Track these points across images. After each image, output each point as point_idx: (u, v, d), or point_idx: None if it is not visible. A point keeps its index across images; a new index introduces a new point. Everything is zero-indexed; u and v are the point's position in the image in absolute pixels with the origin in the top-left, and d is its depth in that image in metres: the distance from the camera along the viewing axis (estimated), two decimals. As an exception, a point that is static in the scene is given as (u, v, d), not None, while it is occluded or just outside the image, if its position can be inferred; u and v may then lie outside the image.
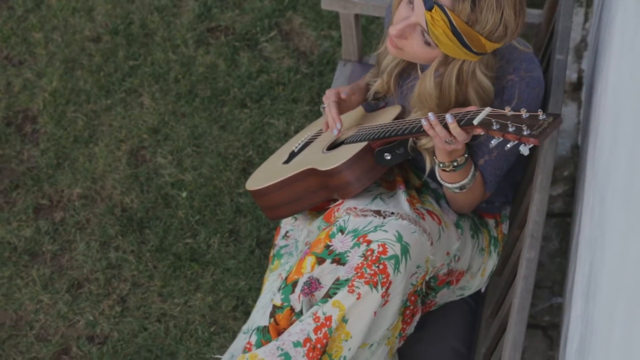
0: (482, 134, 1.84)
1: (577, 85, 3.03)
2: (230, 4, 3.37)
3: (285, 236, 2.47)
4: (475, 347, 2.30)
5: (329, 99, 2.20)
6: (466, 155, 2.03)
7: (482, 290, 2.34)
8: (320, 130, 2.36)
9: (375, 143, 2.08)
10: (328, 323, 2.02)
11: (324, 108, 2.23)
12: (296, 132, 3.08)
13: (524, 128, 1.70)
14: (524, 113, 1.76)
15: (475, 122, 1.82)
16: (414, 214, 2.08)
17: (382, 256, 1.99)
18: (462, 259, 2.22)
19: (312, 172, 2.16)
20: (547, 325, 2.60)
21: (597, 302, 1.45)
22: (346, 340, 2.04)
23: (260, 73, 3.22)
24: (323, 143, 2.28)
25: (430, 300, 2.25)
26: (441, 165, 2.04)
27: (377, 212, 2.09)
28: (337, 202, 2.18)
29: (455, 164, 2.02)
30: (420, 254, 2.04)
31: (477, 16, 1.83)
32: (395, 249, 2.00)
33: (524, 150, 1.70)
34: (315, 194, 2.19)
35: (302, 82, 3.20)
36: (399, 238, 2.01)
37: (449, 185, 2.09)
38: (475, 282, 2.30)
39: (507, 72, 2.01)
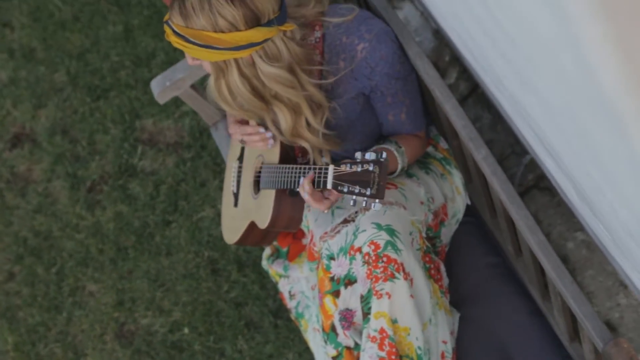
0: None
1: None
2: (85, 155, 3.35)
3: (292, 296, 2.49)
4: (502, 251, 2.36)
5: (235, 130, 2.24)
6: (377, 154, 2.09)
7: (469, 202, 2.40)
8: (239, 160, 2.43)
9: None
10: (385, 334, 2.06)
11: (241, 140, 2.26)
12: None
13: (365, 188, 1.81)
14: (357, 168, 1.83)
15: (328, 185, 1.90)
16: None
17: (378, 250, 2.03)
18: (435, 196, 2.27)
19: (256, 225, 2.27)
20: (535, 182, 2.68)
21: (563, 158, 1.51)
22: (409, 335, 2.08)
23: (159, 186, 3.22)
24: (248, 180, 2.35)
25: (441, 247, 2.30)
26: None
27: (345, 221, 2.12)
28: (309, 240, 2.22)
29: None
30: (404, 223, 2.08)
31: (190, 16, 1.88)
32: (382, 237, 2.03)
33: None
34: (275, 234, 2.36)
35: (196, 165, 3.21)
36: (379, 226, 2.05)
37: (394, 176, 2.15)
38: (459, 203, 2.36)
39: (355, 45, 2.04)
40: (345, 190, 1.85)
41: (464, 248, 2.38)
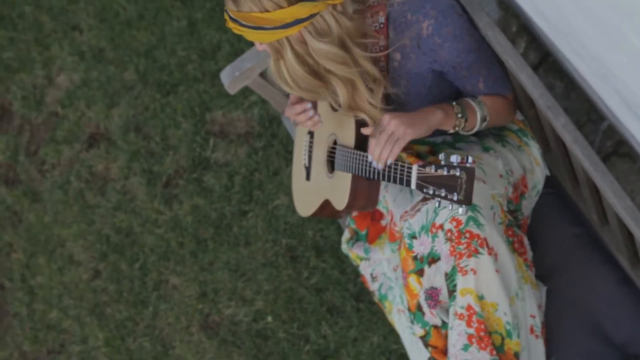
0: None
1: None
2: (159, 151, 3.40)
3: (374, 278, 2.49)
4: (587, 220, 2.31)
5: (289, 111, 2.25)
6: (455, 104, 2.05)
7: (549, 173, 2.36)
8: (309, 134, 2.43)
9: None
10: (472, 311, 2.04)
11: (294, 121, 2.27)
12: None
13: (452, 193, 1.81)
14: (443, 172, 1.82)
15: (412, 185, 1.90)
16: None
17: (461, 227, 2.01)
18: (514, 168, 2.24)
19: (331, 203, 2.28)
20: (614, 149, 2.61)
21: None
22: (497, 310, 2.06)
23: (233, 177, 3.25)
24: (321, 157, 2.35)
25: (522, 220, 2.27)
26: (452, 130, 2.07)
27: (424, 199, 2.11)
28: (389, 220, 2.21)
29: (460, 115, 2.04)
30: (484, 198, 2.05)
31: (238, 0, 1.92)
32: (464, 212, 2.01)
33: None
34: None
35: (268, 155, 3.22)
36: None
37: (475, 129, 2.10)
38: (539, 174, 2.31)
39: (421, 22, 2.02)
40: (431, 192, 1.85)
41: (546, 220, 2.34)
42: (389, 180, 2.00)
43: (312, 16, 1.92)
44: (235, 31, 1.98)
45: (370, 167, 2.05)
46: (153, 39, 3.55)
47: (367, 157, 2.06)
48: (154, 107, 3.45)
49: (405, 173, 1.93)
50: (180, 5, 3.55)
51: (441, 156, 1.85)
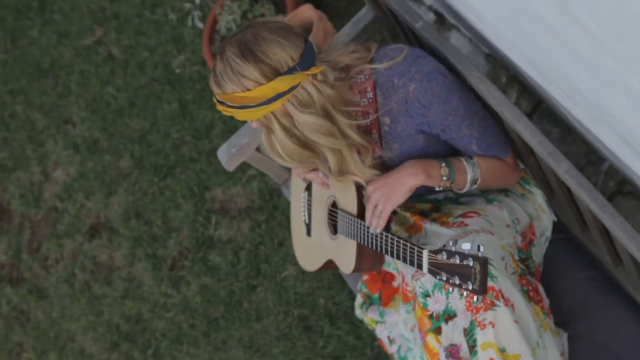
0: None
1: (441, 18, 3.10)
2: (162, 234, 3.39)
3: (391, 341, 2.46)
4: (599, 262, 2.30)
5: (298, 171, 2.32)
6: (443, 165, 2.07)
7: (555, 219, 2.36)
8: (307, 191, 2.46)
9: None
10: None
11: (303, 178, 2.33)
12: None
13: (466, 282, 1.82)
14: (455, 260, 1.83)
15: (424, 269, 1.92)
16: (457, 230, 2.10)
17: None
18: (520, 217, 2.24)
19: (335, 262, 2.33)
20: (618, 188, 2.62)
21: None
22: None
23: (238, 253, 3.24)
24: (321, 218, 2.36)
25: (535, 267, 2.26)
26: (438, 188, 2.08)
27: None
28: (401, 281, 2.21)
29: (445, 178, 2.06)
30: (494, 249, 2.05)
31: (221, 83, 1.98)
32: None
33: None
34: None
35: (271, 227, 3.22)
36: None
37: (465, 189, 2.11)
38: (545, 221, 2.31)
39: (408, 87, 2.03)
40: (444, 279, 1.86)
41: (558, 266, 2.33)
42: (400, 259, 2.01)
43: (292, 88, 1.97)
44: (225, 113, 2.03)
45: (378, 240, 2.07)
46: (146, 124, 3.58)
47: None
48: (152, 191, 3.46)
49: (415, 256, 1.95)
50: (169, 89, 3.58)
51: (450, 242, 1.85)
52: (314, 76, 1.98)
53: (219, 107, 2.03)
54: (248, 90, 1.94)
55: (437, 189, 2.08)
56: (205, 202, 3.37)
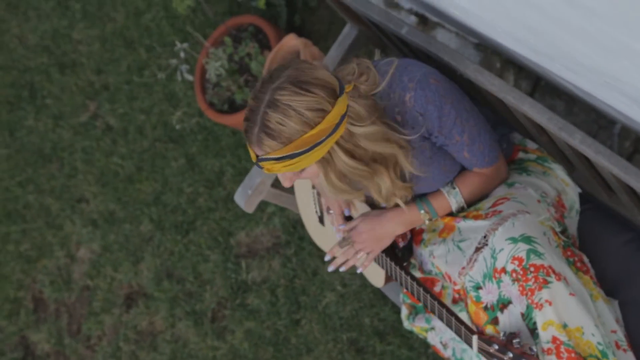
0: None
1: (423, 19, 3.11)
2: (196, 289, 3.39)
3: (444, 345, 2.45)
4: (633, 224, 2.30)
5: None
6: (422, 212, 2.19)
7: (580, 191, 2.35)
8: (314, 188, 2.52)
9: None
10: (558, 342, 2.00)
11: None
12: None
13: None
14: (505, 357, 1.94)
15: (474, 349, 2.03)
16: (493, 219, 2.10)
17: (523, 263, 1.99)
18: (547, 191, 2.23)
19: None
20: (635, 147, 2.61)
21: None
22: (583, 334, 2.01)
23: (275, 291, 3.23)
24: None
25: (572, 240, 2.25)
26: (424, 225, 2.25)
27: (477, 249, 2.10)
28: (449, 281, 2.21)
29: (427, 219, 2.20)
30: (535, 227, 2.04)
31: (281, 132, 1.87)
32: (521, 248, 1.99)
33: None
34: None
35: (302, 258, 3.22)
36: (514, 240, 2.01)
37: (454, 210, 2.21)
38: (571, 194, 2.31)
39: (404, 97, 2.03)
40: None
41: (593, 235, 2.32)
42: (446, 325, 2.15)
43: (347, 107, 1.94)
44: (284, 170, 1.92)
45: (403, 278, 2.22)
46: (157, 185, 3.59)
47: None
48: (178, 249, 3.47)
49: (463, 334, 2.05)
50: (173, 146, 3.60)
51: (502, 334, 1.98)
52: (352, 92, 1.97)
53: (277, 168, 1.92)
54: (316, 124, 1.88)
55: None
56: (231, 248, 3.37)
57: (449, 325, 2.12)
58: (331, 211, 2.38)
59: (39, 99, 4.01)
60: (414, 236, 2.33)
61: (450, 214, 2.24)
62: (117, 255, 3.59)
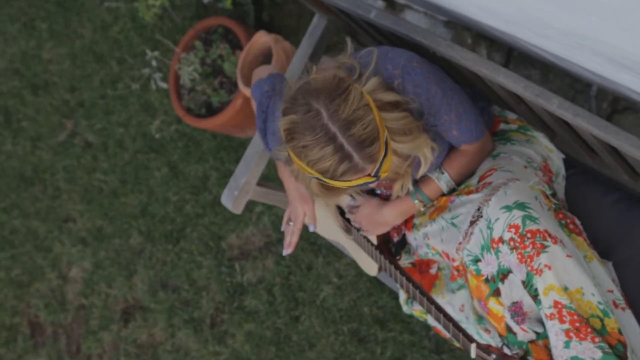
0: None
1: (390, 3, 3.11)
2: (192, 297, 3.38)
3: (445, 326, 2.45)
4: (619, 183, 2.30)
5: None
6: (416, 201, 2.21)
7: (564, 156, 2.36)
8: None
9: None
10: (560, 306, 1.99)
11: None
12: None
13: None
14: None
15: (473, 355, 1.99)
16: (485, 190, 2.10)
17: (520, 230, 1.98)
18: (532, 156, 2.24)
19: None
20: (613, 108, 2.62)
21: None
22: (584, 294, 2.00)
23: (271, 290, 3.23)
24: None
25: (562, 201, 2.26)
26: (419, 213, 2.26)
27: (472, 223, 2.09)
28: (447, 259, 2.21)
29: (422, 207, 2.22)
30: (526, 192, 2.04)
31: (370, 148, 1.86)
32: (516, 215, 1.99)
33: None
34: None
35: (295, 254, 3.21)
36: (508, 208, 2.01)
37: (445, 192, 2.22)
38: (556, 160, 2.31)
39: (391, 85, 2.02)
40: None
41: (580, 199, 2.32)
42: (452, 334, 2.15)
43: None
44: (392, 158, 1.94)
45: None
46: (143, 197, 3.57)
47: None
48: (170, 259, 3.45)
49: (461, 339, 2.05)
50: (154, 155, 3.59)
51: (505, 349, 2.04)
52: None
53: (386, 166, 1.92)
54: (371, 107, 1.88)
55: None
56: (224, 252, 3.36)
57: (445, 328, 2.12)
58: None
59: (15, 122, 3.98)
60: (405, 223, 2.33)
61: (442, 195, 2.24)
62: (109, 271, 3.57)
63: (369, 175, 1.90)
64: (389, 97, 1.97)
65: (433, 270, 2.42)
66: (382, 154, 1.89)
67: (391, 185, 2.19)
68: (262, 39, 3.04)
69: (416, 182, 2.22)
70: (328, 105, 1.84)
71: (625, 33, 1.24)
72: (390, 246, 2.35)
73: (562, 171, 2.30)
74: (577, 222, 2.18)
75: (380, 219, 2.27)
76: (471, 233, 2.07)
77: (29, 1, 4.09)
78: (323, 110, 1.84)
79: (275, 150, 2.10)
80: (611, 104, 2.55)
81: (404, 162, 2.04)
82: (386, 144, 1.90)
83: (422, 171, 2.11)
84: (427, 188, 2.21)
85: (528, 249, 1.98)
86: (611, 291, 2.12)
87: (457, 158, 2.20)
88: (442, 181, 2.20)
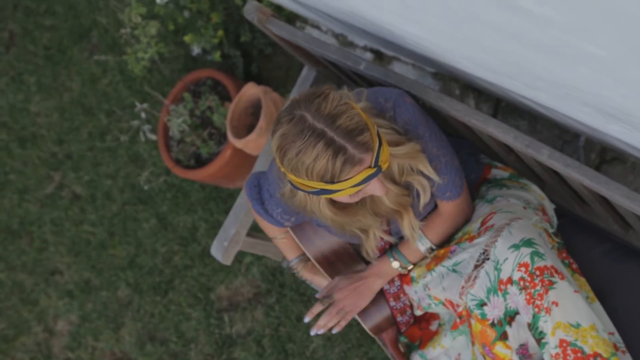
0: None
1: (379, 54, 3.14)
2: (181, 349, 3.34)
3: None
4: (609, 233, 2.31)
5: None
6: (392, 260, 2.22)
7: (554, 206, 2.36)
8: None
9: None
10: (565, 344, 1.96)
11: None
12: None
13: None
14: None
15: None
16: (488, 234, 2.09)
17: (530, 269, 1.97)
18: (529, 199, 2.24)
19: None
20: (601, 158, 2.64)
21: (634, 111, 1.49)
22: (597, 331, 1.99)
23: (261, 342, 3.19)
24: None
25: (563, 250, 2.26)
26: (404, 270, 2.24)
27: (476, 266, 2.08)
28: (450, 307, 2.19)
29: (402, 269, 2.22)
30: (530, 230, 2.04)
31: (362, 136, 1.84)
32: (524, 253, 1.98)
33: None
34: None
35: (285, 305, 3.19)
36: (516, 246, 2.00)
37: (424, 252, 2.22)
38: (548, 207, 2.31)
39: (384, 114, 2.04)
40: None
41: (571, 249, 2.32)
42: None
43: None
44: (387, 150, 1.91)
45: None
46: (131, 249, 3.55)
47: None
48: (158, 311, 3.42)
49: None
50: (143, 207, 3.57)
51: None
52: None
53: (386, 157, 1.89)
54: (355, 105, 1.87)
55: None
56: (212, 303, 3.33)
57: None
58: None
59: (2, 175, 3.97)
60: (403, 277, 2.31)
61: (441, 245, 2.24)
62: (96, 324, 3.53)
63: (370, 167, 1.85)
64: (379, 120, 1.99)
65: (433, 327, 2.39)
66: (377, 143, 1.86)
67: (397, 220, 2.15)
68: (251, 90, 3.06)
69: (396, 245, 2.23)
70: (309, 107, 1.84)
71: (615, 84, 1.26)
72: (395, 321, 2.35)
73: (554, 220, 2.31)
74: (575, 266, 2.18)
75: (360, 285, 2.25)
76: (476, 277, 2.06)
77: (17, 55, 4.11)
78: (305, 113, 1.83)
79: (278, 194, 2.09)
80: (599, 154, 2.57)
81: (402, 190, 2.03)
82: (378, 135, 1.87)
83: (422, 201, 2.08)
84: (404, 249, 2.21)
85: (537, 287, 1.96)
86: (612, 333, 2.10)
87: (433, 220, 2.19)
88: (419, 242, 2.18)
